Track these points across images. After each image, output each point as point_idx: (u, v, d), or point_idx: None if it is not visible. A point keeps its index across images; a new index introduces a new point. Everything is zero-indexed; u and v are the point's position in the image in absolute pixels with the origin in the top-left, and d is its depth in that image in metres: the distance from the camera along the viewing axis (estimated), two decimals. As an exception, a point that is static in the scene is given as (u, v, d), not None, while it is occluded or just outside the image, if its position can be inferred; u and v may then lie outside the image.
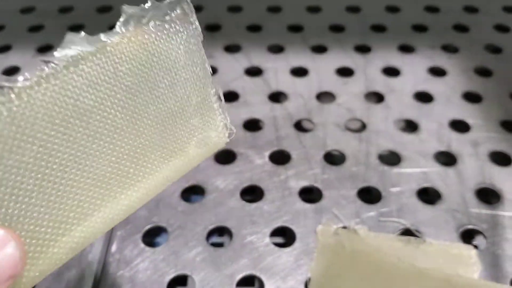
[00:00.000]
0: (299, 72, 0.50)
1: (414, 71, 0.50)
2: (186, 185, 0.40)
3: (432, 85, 0.48)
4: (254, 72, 0.50)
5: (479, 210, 0.38)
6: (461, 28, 0.55)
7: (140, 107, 0.20)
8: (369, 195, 0.40)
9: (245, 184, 0.40)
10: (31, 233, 0.18)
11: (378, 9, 0.57)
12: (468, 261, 0.34)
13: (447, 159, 0.42)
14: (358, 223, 0.37)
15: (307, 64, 0.51)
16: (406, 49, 0.52)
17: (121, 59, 0.19)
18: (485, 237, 0.37)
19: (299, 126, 0.45)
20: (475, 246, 0.35)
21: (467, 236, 0.37)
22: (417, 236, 0.36)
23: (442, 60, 0.51)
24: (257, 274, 0.35)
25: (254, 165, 0.42)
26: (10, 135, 0.17)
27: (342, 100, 0.47)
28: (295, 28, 0.55)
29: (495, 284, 0.30)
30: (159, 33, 0.20)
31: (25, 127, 0.17)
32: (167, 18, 0.21)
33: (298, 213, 0.38)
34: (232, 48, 0.53)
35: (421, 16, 0.56)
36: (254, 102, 0.47)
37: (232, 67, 0.51)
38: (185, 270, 0.35)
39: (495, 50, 0.52)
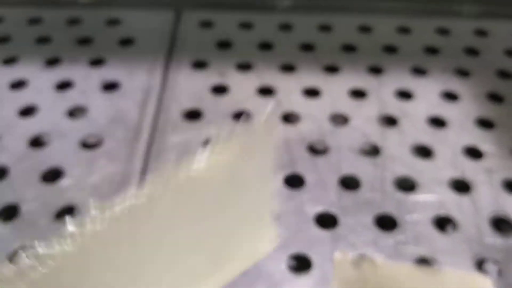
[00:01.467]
0: (312, 92, 0.50)
1: (427, 95, 0.50)
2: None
3: (445, 110, 0.48)
4: (266, 91, 0.50)
5: (494, 239, 0.38)
6: (472, 52, 0.55)
7: (207, 218, 0.21)
8: (385, 222, 0.40)
9: (260, 208, 0.40)
10: None
11: (389, 29, 0.57)
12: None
13: (461, 186, 0.42)
14: (375, 251, 0.37)
15: (320, 84, 0.51)
16: (418, 71, 0.52)
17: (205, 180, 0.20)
18: (499, 267, 0.37)
19: (312, 148, 0.45)
20: (491, 276, 0.35)
21: (483, 266, 0.37)
22: (434, 265, 0.36)
23: (454, 84, 0.51)
24: (275, 303, 0.34)
25: (268, 188, 0.41)
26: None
27: (356, 123, 0.47)
28: (307, 47, 0.55)
29: None
30: (242, 152, 0.20)
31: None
32: (252, 138, 0.21)
33: (314, 239, 0.38)
34: (243, 66, 0.53)
35: (432, 38, 0.56)
36: (266, 123, 0.47)
37: (244, 86, 0.50)
38: (202, 298, 0.34)
39: (505, 75, 0.52)
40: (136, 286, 0.20)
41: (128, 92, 0.50)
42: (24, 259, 0.18)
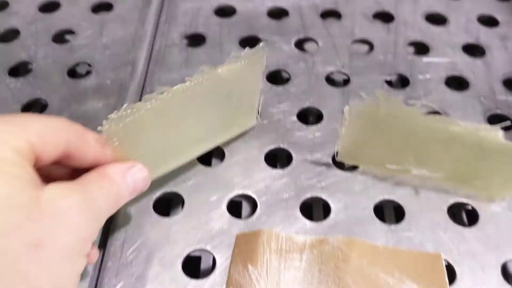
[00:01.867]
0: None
1: (443, -32, 0.48)
2: (212, 66, 0.40)
3: (462, -18, 0.47)
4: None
5: (506, 97, 0.38)
6: None
7: (218, 105, 0.32)
8: (397, 82, 0.40)
9: (272, 68, 0.40)
10: (154, 162, 0.30)
11: None
12: (496, 141, 0.33)
13: (475, 51, 0.42)
14: (386, 105, 0.37)
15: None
16: None
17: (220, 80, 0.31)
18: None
19: (325, 16, 0.44)
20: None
21: (494, 122, 0.37)
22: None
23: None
24: (285, 147, 0.35)
25: (280, 51, 0.41)
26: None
27: (370, -8, 0.46)
28: None
29: None
30: (244, 65, 0.31)
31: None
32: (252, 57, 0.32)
33: (325, 95, 0.38)
34: None
35: None
36: (278, -8, 0.46)
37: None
38: (214, 141, 0.35)
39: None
40: (187, 133, 0.32)
41: (137, -36, 0.49)
42: (123, 109, 0.27)
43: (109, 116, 0.26)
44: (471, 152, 0.31)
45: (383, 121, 0.31)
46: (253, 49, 0.31)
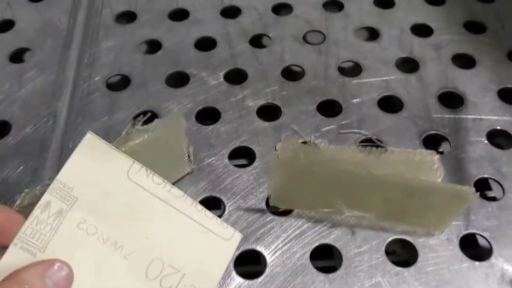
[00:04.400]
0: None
1: (373, -24, 0.47)
2: (138, 111, 0.38)
3: (393, -11, 0.46)
4: (204, -14, 0.47)
5: (442, 114, 0.37)
6: None
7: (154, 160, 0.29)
8: (330, 109, 0.38)
9: (200, 107, 0.38)
10: None
11: None
12: (431, 166, 0.33)
13: (409, 65, 0.40)
14: (318, 137, 0.36)
15: (260, -26, 0.47)
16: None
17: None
18: (448, 141, 0.36)
19: (254, 42, 0.43)
20: (439, 152, 0.34)
21: (430, 143, 0.36)
22: (379, 146, 0.35)
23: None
24: (217, 195, 0.33)
25: (209, 86, 0.40)
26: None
27: (300, 11, 0.44)
28: None
29: (453, 185, 0.29)
30: (163, 130, 0.31)
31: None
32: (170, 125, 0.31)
33: (257, 132, 0.37)
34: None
35: None
36: (205, 19, 0.44)
37: (180, -17, 0.47)
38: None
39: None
40: None
41: (56, 1, 0.46)
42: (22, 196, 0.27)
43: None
44: (397, 193, 0.29)
45: (304, 167, 0.29)
46: (165, 118, 0.32)
